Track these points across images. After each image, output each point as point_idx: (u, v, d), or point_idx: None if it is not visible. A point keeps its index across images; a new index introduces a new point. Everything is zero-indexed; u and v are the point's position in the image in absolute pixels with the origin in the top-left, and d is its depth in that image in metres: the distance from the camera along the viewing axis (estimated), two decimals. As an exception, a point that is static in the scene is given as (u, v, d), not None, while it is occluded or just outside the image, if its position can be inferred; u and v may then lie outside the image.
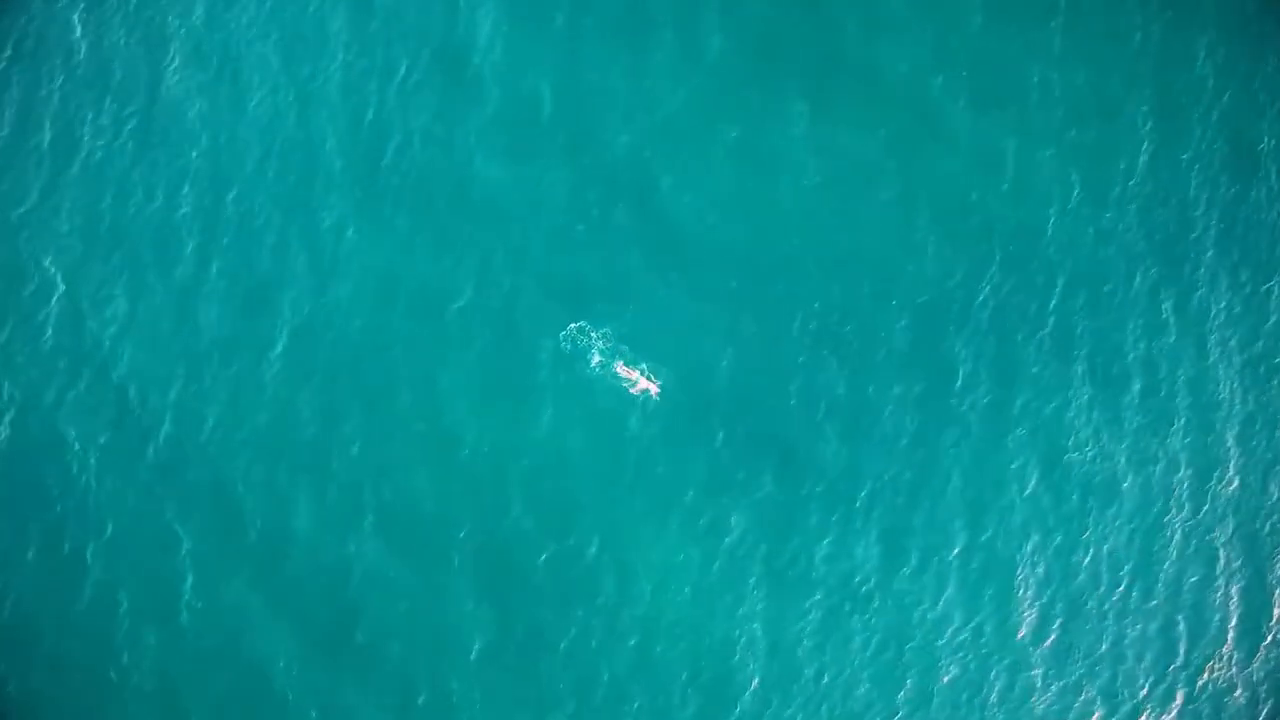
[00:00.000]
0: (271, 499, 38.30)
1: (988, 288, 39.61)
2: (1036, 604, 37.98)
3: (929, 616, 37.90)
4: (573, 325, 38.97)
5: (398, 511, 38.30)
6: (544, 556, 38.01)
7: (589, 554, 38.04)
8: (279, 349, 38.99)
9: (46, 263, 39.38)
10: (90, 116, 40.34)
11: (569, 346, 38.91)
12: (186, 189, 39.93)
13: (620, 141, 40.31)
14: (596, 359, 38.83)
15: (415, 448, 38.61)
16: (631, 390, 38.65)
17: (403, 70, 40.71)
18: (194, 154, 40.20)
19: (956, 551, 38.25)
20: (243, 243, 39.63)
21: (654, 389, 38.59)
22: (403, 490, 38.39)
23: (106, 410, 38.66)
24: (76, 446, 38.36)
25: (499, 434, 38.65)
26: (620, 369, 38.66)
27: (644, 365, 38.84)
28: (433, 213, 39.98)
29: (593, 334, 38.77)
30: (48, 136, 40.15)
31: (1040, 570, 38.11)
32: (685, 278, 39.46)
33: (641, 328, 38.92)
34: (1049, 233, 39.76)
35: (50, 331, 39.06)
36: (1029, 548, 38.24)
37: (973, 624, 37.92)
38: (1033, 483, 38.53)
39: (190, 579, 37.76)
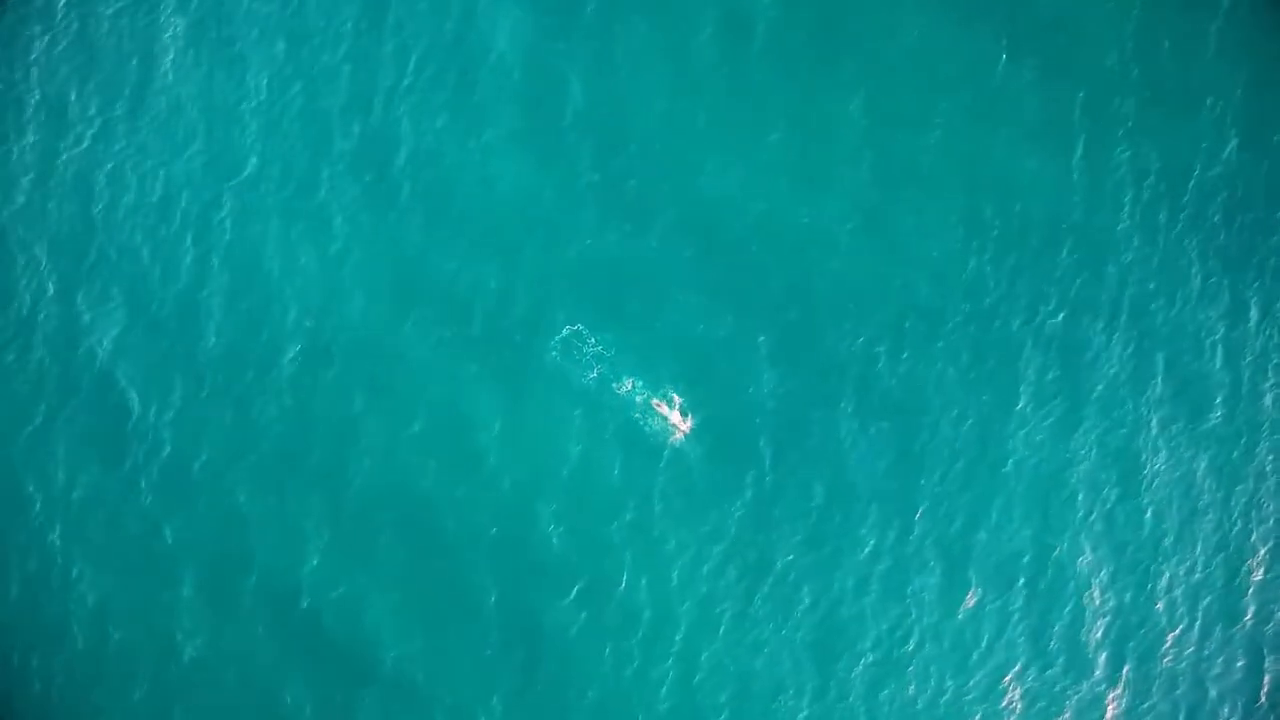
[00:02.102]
0: (280, 533, 35.91)
1: (1053, 301, 36.65)
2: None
3: (989, 660, 35.38)
4: (596, 346, 36.55)
5: (414, 541, 36.13)
6: (574, 591, 35.81)
7: (618, 590, 35.79)
8: (284, 362, 36.69)
9: (37, 266, 37.14)
10: (80, 112, 37.89)
11: (593, 371, 36.46)
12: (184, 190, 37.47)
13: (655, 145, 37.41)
14: (628, 386, 36.47)
15: (432, 474, 36.37)
16: (663, 422, 36.27)
17: (414, 62, 37.95)
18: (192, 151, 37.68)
19: (1017, 593, 35.82)
20: (243, 251, 37.21)
21: (685, 424, 36.19)
22: (418, 520, 36.14)
23: (99, 429, 36.42)
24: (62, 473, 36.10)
25: (523, 461, 36.37)
26: (654, 403, 36.25)
27: (675, 395, 36.35)
28: (451, 221, 37.51)
29: (608, 355, 36.47)
30: (30, 139, 37.71)
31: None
32: (727, 300, 36.94)
33: (672, 352, 36.61)
34: (1119, 230, 36.72)
35: (39, 343, 36.54)
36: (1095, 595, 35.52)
37: (1038, 667, 35.27)
38: (1100, 511, 36.01)
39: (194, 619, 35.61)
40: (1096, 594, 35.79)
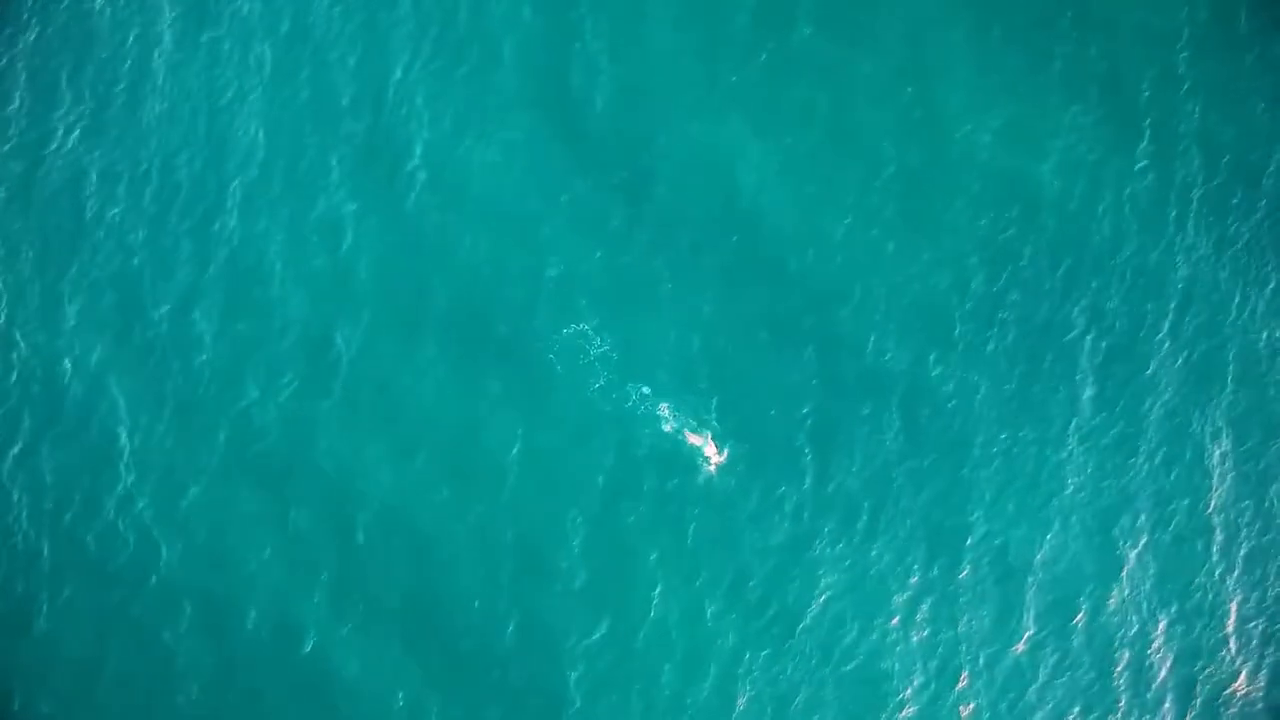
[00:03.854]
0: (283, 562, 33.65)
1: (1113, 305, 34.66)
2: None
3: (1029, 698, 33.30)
4: (622, 369, 34.32)
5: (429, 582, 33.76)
6: (601, 629, 33.50)
7: (649, 621, 33.58)
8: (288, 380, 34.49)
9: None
10: (63, 111, 35.46)
11: (623, 399, 34.17)
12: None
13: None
14: (664, 413, 34.23)
15: (444, 500, 34.02)
16: (696, 448, 34.07)
17: (428, 48, 35.60)
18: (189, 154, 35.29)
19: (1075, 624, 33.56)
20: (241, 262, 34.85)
21: (720, 456, 34.05)
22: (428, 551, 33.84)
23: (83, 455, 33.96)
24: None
25: (544, 485, 34.09)
26: (687, 434, 34.04)
27: (706, 424, 34.04)
28: (465, 230, 35.26)
29: (645, 390, 34.10)
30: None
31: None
32: (761, 313, 34.85)
33: (706, 375, 34.44)
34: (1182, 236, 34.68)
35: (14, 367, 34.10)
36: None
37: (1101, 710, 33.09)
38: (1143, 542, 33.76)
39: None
40: (1160, 629, 33.44)
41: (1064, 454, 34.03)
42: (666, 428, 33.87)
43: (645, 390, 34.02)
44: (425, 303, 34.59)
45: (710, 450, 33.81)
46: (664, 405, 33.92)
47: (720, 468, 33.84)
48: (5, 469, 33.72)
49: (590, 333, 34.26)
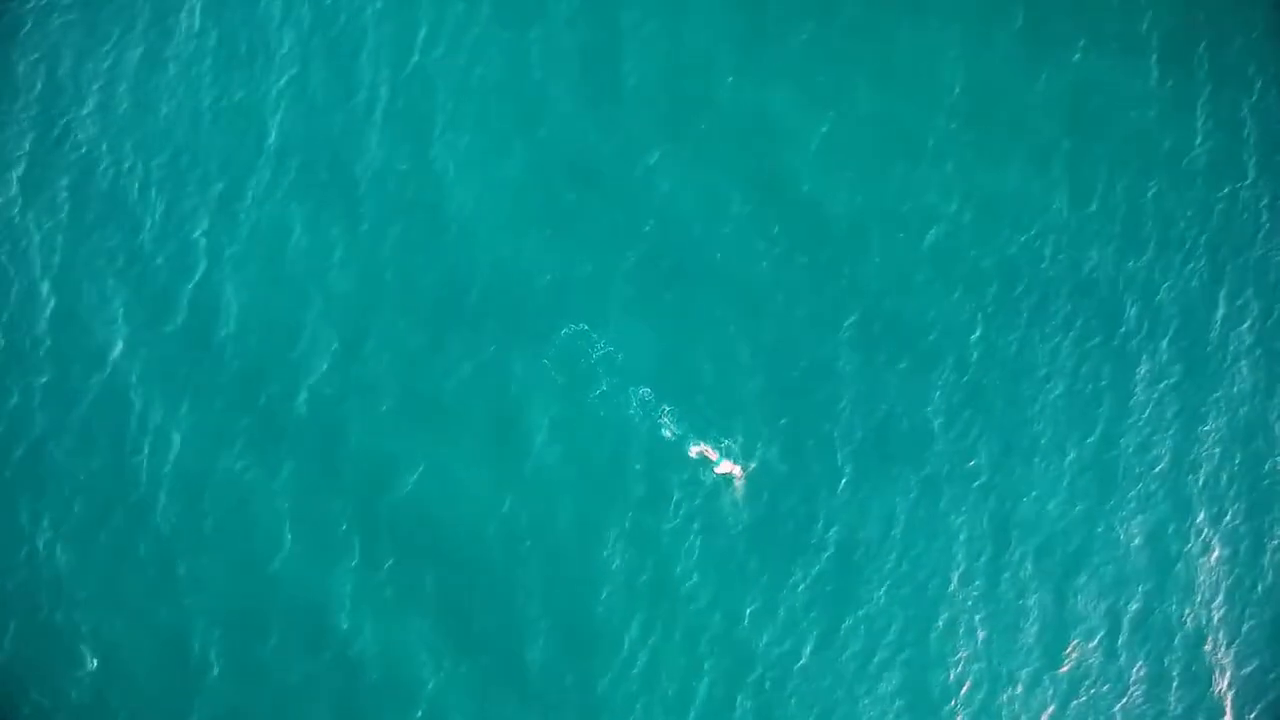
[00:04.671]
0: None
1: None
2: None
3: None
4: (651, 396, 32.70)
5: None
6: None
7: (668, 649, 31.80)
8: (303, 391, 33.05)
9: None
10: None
11: (661, 422, 32.66)
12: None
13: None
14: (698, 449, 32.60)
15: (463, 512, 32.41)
16: (715, 471, 32.46)
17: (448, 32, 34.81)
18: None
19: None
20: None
21: (739, 472, 32.38)
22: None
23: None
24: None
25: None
26: (704, 450, 32.41)
27: (726, 442, 32.45)
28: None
29: (667, 408, 32.57)
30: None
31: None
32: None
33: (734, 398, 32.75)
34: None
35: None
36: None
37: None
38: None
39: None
40: (1221, 647, 31.54)
41: (1104, 459, 32.45)
42: (668, 433, 32.41)
43: (647, 393, 32.58)
44: (444, 298, 33.43)
45: (728, 467, 32.30)
46: (667, 409, 32.51)
47: (734, 479, 32.34)
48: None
49: (590, 333, 32.93)
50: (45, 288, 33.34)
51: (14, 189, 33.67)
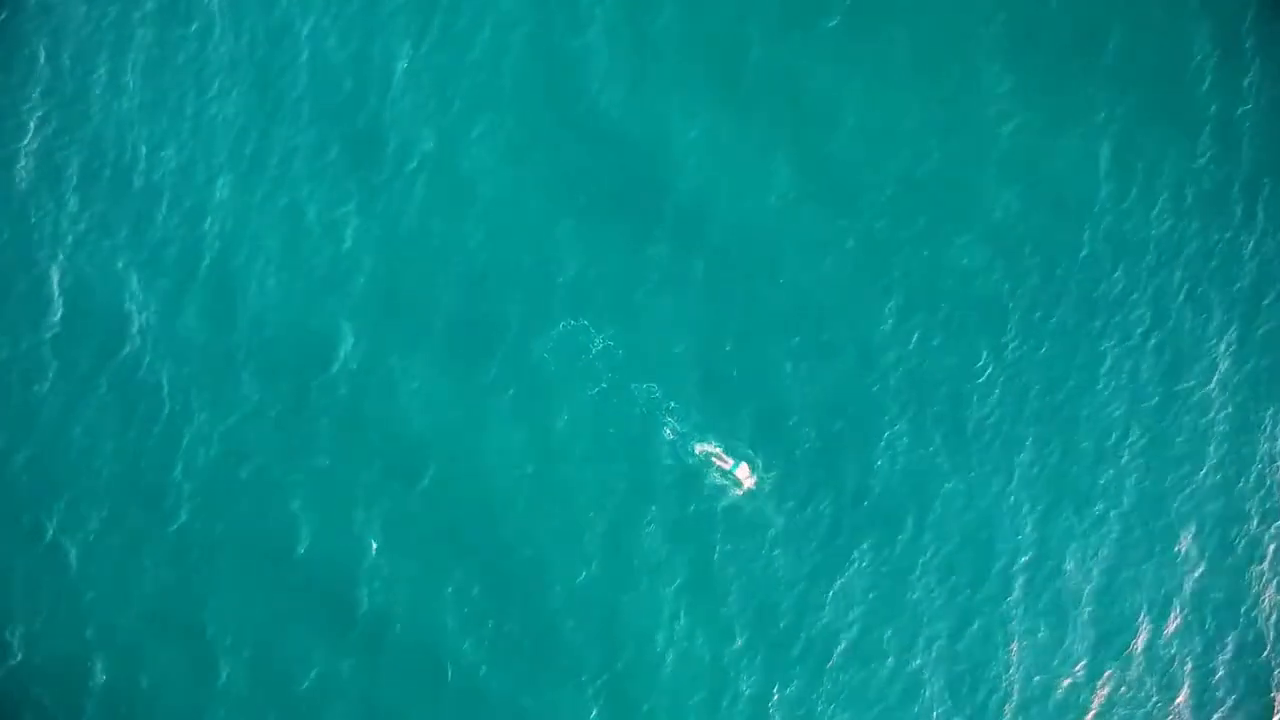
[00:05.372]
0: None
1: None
2: None
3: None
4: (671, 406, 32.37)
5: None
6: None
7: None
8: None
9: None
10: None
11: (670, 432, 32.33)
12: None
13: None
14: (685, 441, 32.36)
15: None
16: (726, 477, 32.17)
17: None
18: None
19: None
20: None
21: (750, 480, 32.08)
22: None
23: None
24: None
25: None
26: (710, 450, 32.12)
27: (739, 450, 32.18)
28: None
29: (671, 413, 32.23)
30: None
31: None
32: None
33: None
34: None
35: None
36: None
37: None
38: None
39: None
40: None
41: (1115, 468, 32.16)
42: (670, 434, 32.23)
43: (655, 391, 32.38)
44: (433, 302, 33.04)
45: (743, 473, 32.10)
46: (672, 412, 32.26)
47: (752, 491, 32.17)
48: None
49: (591, 329, 32.59)
50: (54, 271, 33.06)
51: (22, 164, 33.23)
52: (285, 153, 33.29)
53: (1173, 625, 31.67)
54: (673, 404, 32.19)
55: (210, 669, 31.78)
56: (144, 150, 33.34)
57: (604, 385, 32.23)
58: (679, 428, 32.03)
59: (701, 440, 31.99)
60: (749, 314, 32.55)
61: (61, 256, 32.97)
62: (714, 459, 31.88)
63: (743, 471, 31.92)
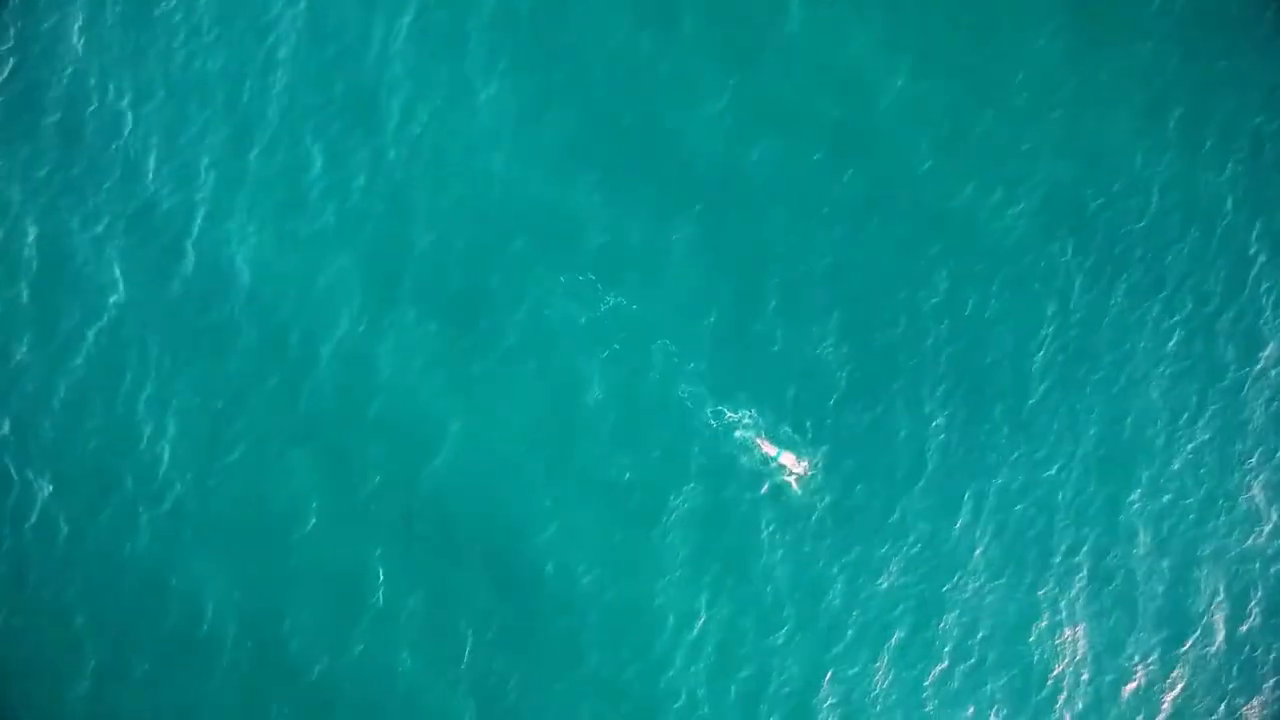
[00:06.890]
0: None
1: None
2: None
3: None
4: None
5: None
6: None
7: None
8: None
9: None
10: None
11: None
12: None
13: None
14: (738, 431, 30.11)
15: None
16: (775, 466, 30.04)
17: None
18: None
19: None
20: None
21: (801, 467, 29.93)
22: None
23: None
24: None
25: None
26: (762, 445, 30.02)
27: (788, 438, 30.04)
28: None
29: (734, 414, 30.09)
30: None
31: None
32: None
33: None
34: None
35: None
36: None
37: None
38: None
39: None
40: None
41: (1185, 448, 30.31)
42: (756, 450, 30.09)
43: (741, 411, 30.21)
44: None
45: (788, 459, 29.99)
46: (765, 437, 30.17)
47: (806, 480, 30.08)
48: None
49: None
50: (31, 241, 30.47)
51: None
52: (283, 108, 30.91)
53: (1251, 619, 29.84)
54: (711, 382, 30.08)
55: (210, 654, 29.53)
56: (127, 104, 30.89)
57: (616, 346, 30.18)
58: (724, 410, 29.95)
59: (744, 425, 29.89)
60: (786, 289, 30.52)
61: (34, 217, 30.38)
62: (757, 442, 29.74)
63: (788, 458, 29.86)
